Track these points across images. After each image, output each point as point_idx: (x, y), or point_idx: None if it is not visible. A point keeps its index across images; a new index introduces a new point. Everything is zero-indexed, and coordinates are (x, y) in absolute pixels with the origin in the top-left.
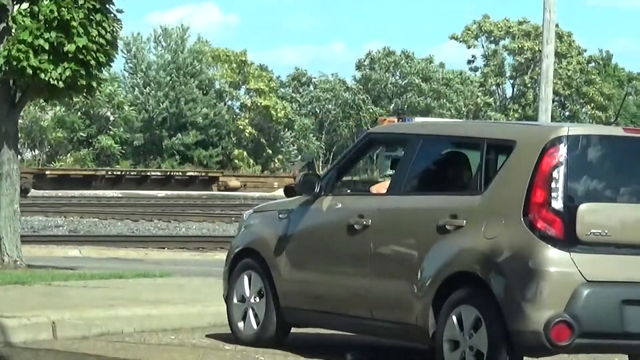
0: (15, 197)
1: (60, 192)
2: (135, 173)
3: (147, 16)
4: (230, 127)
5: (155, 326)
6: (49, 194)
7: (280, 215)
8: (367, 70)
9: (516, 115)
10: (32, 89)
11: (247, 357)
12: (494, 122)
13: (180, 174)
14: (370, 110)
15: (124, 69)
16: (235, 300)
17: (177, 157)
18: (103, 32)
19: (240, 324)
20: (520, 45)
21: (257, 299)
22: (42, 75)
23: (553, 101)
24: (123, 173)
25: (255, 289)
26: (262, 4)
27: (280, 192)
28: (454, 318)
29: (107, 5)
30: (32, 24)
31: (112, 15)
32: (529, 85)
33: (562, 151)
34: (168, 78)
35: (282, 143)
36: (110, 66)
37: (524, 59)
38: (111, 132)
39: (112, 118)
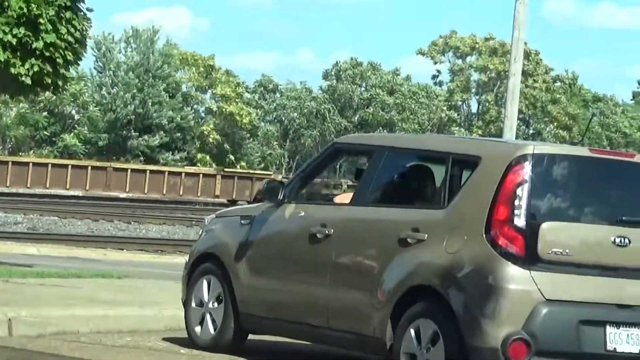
0: None
1: (21, 189)
2: None
3: (117, 16)
4: (195, 131)
5: (111, 327)
6: (9, 191)
7: (242, 221)
8: (334, 80)
9: (479, 132)
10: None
11: None
12: (459, 137)
13: None
14: (336, 121)
15: (94, 67)
16: (193, 305)
17: (142, 158)
18: (72, 30)
19: (198, 329)
20: (485, 64)
21: (216, 304)
22: (12, 70)
23: (517, 119)
24: None
25: (214, 294)
26: (233, 9)
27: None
28: (412, 331)
29: (77, 4)
30: (1, 19)
31: (82, 13)
32: (492, 102)
33: (526, 169)
34: (137, 80)
35: (245, 149)
36: (78, 64)
37: (488, 78)
38: (75, 131)
39: (76, 117)
